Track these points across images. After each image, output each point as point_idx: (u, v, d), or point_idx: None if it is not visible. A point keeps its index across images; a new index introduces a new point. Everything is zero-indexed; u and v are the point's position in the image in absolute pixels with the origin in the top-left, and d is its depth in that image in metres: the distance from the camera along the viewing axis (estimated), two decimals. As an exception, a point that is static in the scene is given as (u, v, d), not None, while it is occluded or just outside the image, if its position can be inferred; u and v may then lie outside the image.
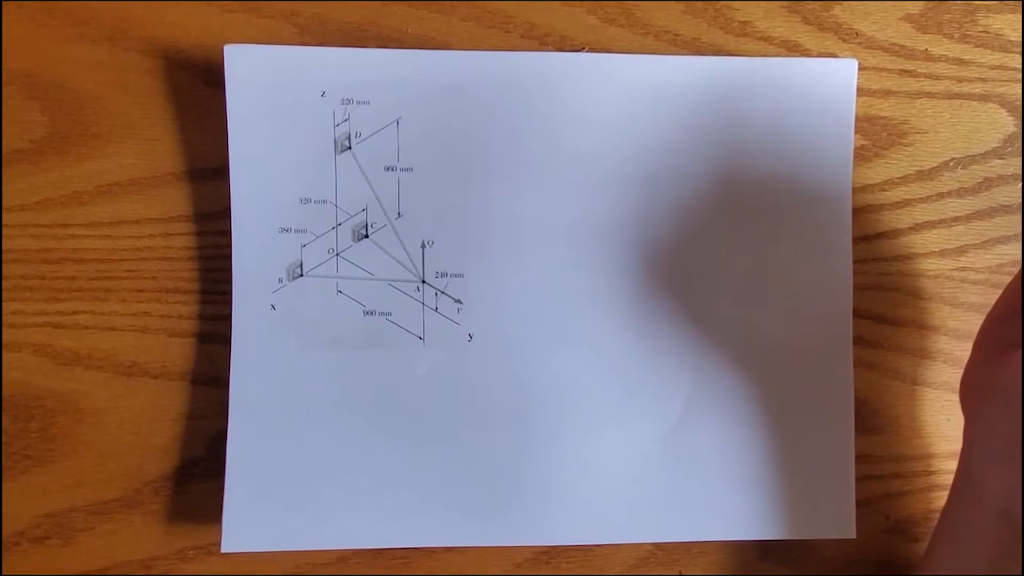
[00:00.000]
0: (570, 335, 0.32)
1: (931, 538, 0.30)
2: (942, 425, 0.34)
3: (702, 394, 0.32)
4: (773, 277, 0.33)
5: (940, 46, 0.34)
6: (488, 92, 0.32)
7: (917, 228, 0.34)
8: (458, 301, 0.32)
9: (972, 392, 0.30)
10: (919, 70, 0.34)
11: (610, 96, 0.32)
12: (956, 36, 0.34)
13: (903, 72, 0.34)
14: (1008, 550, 0.27)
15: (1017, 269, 0.34)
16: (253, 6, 0.32)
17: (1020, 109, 0.34)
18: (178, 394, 0.32)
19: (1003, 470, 0.27)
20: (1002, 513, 0.27)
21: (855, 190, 0.33)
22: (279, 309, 0.31)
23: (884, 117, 0.34)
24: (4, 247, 0.32)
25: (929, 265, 0.34)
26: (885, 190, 0.34)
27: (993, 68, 0.34)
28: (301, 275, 0.31)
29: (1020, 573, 0.26)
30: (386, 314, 0.32)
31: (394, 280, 0.32)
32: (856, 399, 0.33)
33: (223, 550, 0.30)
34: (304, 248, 0.31)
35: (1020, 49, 0.34)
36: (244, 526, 0.31)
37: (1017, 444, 0.26)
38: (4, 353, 0.31)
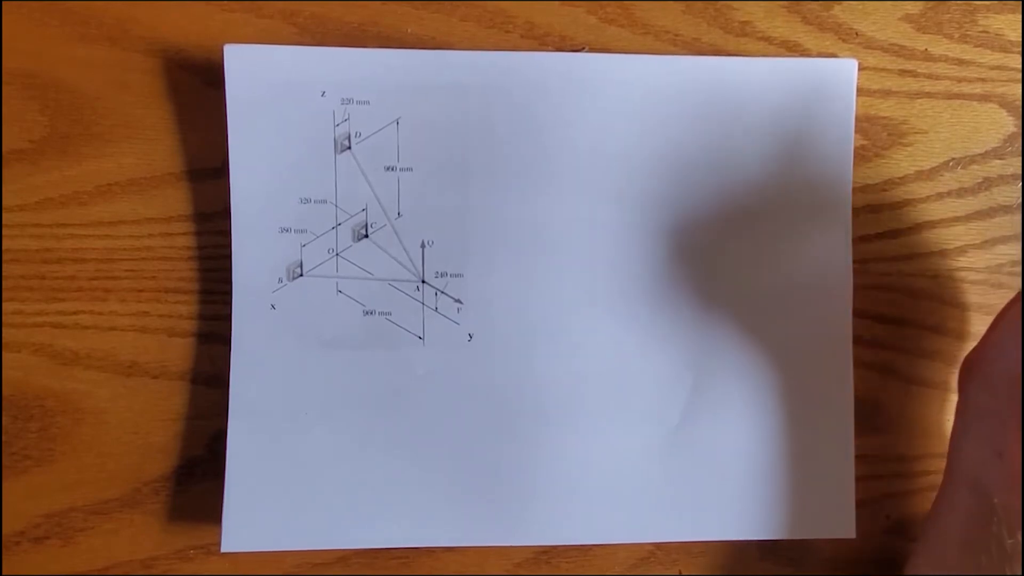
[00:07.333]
0: (570, 335, 0.32)
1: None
2: (942, 425, 0.34)
3: (702, 394, 0.32)
4: (773, 277, 0.33)
5: (940, 46, 0.34)
6: (488, 92, 0.31)
7: (917, 228, 0.34)
8: (458, 301, 0.32)
9: (964, 372, 0.31)
10: (919, 70, 0.34)
11: (610, 96, 0.32)
12: (956, 36, 0.34)
13: (903, 72, 0.34)
14: (976, 520, 0.27)
15: (1017, 269, 0.34)
16: (253, 6, 0.32)
17: (1020, 109, 0.34)
18: (178, 394, 0.32)
19: (972, 441, 0.28)
20: (972, 483, 0.28)
21: (855, 190, 0.33)
22: (279, 309, 0.31)
23: (884, 117, 0.34)
24: (4, 247, 0.32)
25: (929, 265, 0.34)
26: (885, 190, 0.34)
27: (993, 68, 0.34)
28: (301, 275, 0.31)
29: (988, 545, 0.26)
30: (386, 314, 0.32)
31: (394, 280, 0.32)
32: (856, 399, 0.33)
33: (223, 550, 0.30)
34: (304, 248, 0.31)
35: (1020, 49, 0.34)
36: (244, 526, 0.31)
37: (988, 417, 0.27)
38: (4, 353, 0.31)
